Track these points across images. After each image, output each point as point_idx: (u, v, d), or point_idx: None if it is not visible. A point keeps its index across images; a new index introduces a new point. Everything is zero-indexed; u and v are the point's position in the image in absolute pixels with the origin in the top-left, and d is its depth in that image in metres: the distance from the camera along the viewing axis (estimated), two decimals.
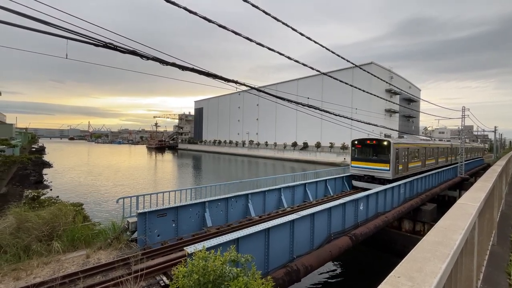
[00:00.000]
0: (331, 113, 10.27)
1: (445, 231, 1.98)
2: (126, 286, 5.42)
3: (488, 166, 35.63)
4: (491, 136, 76.65)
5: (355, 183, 18.44)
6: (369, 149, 18.50)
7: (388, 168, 16.93)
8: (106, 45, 3.74)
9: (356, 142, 19.17)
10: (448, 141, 34.53)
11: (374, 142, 18.11)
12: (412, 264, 1.43)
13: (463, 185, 26.95)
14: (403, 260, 1.47)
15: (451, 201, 26.99)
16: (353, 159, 19.06)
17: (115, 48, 3.79)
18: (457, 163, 28.56)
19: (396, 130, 22.47)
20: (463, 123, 27.94)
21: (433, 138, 33.32)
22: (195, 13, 5.06)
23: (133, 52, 4.00)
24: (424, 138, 27.99)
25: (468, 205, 2.85)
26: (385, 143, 17.44)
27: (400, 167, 17.83)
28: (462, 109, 27.59)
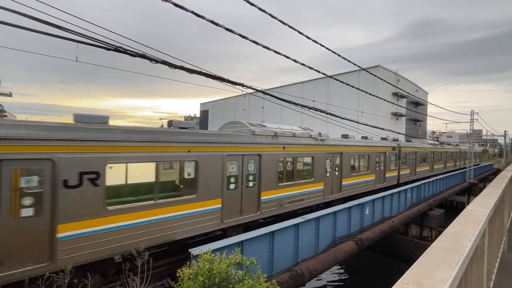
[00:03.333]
0: (337, 116, 10.24)
1: (455, 238, 1.96)
2: (132, 286, 5.45)
3: (498, 171, 34.79)
4: (500, 140, 75.23)
5: None
6: None
7: None
8: (116, 49, 3.83)
9: None
10: (366, 138, 16.72)
11: None
12: (422, 270, 1.42)
13: (471, 190, 26.50)
14: (412, 267, 1.46)
15: (460, 207, 26.53)
16: None
17: (125, 51, 3.88)
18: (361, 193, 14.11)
19: (403, 134, 22.09)
20: (471, 127, 27.50)
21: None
22: (202, 17, 5.13)
23: (143, 56, 4.08)
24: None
25: (478, 211, 2.80)
26: None
27: None
28: (471, 112, 27.18)
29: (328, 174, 10.33)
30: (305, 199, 9.31)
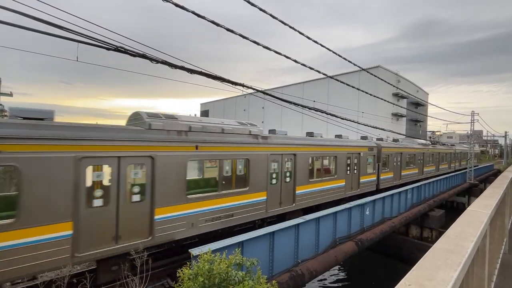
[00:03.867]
0: (337, 117, 10.22)
1: (456, 239, 1.95)
2: (131, 287, 5.44)
3: (499, 172, 34.67)
4: (501, 141, 75.18)
5: None
6: None
7: None
8: (117, 49, 3.83)
9: None
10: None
11: None
12: (423, 272, 1.41)
13: (472, 191, 26.49)
14: (413, 268, 1.45)
15: (460, 207, 26.50)
16: None
17: (125, 51, 3.87)
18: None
19: (403, 134, 21.93)
20: (472, 127, 27.48)
21: None
22: (203, 17, 5.13)
23: (143, 56, 4.08)
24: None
25: (479, 212, 2.79)
26: None
27: None
28: (471, 113, 27.17)
29: (274, 181, 8.34)
30: (236, 214, 7.26)
